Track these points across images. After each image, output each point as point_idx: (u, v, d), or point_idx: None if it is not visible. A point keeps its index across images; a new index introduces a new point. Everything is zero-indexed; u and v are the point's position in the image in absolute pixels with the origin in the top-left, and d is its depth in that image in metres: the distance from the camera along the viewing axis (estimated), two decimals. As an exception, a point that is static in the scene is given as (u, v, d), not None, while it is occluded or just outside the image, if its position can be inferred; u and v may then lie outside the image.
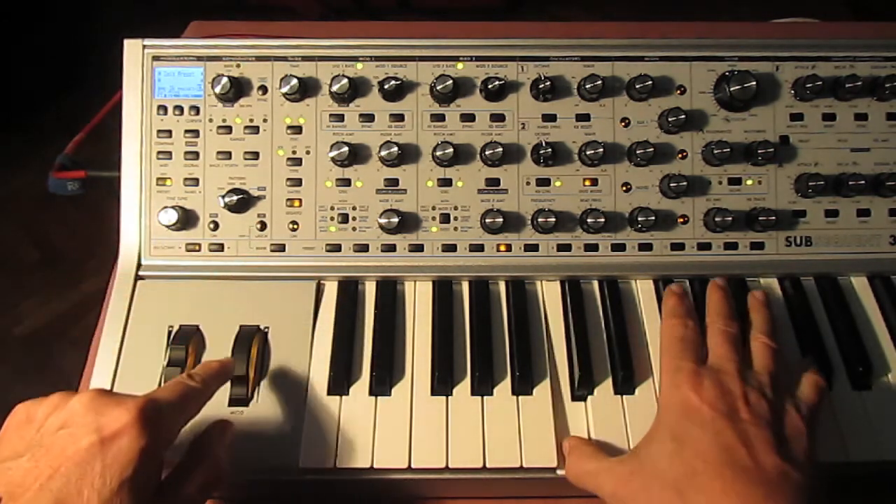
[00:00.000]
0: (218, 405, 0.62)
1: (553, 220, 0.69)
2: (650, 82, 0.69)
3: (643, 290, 0.71)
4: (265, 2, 2.68)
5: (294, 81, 0.69)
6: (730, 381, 0.56)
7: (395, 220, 0.69)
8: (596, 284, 0.71)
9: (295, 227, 0.70)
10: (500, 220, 0.69)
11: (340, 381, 0.64)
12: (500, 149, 0.69)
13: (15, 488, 0.43)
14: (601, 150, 0.69)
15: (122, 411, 0.46)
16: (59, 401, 0.49)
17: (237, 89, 0.70)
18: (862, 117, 0.72)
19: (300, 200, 0.71)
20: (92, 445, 0.45)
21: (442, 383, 0.64)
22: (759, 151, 0.69)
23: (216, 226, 0.70)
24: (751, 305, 0.66)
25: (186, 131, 0.70)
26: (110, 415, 0.46)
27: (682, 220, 0.71)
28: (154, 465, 0.47)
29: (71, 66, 2.44)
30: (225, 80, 0.69)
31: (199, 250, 0.70)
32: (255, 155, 0.71)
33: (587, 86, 0.69)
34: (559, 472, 0.60)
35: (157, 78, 0.71)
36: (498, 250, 0.71)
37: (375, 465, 0.60)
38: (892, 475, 0.62)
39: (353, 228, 0.70)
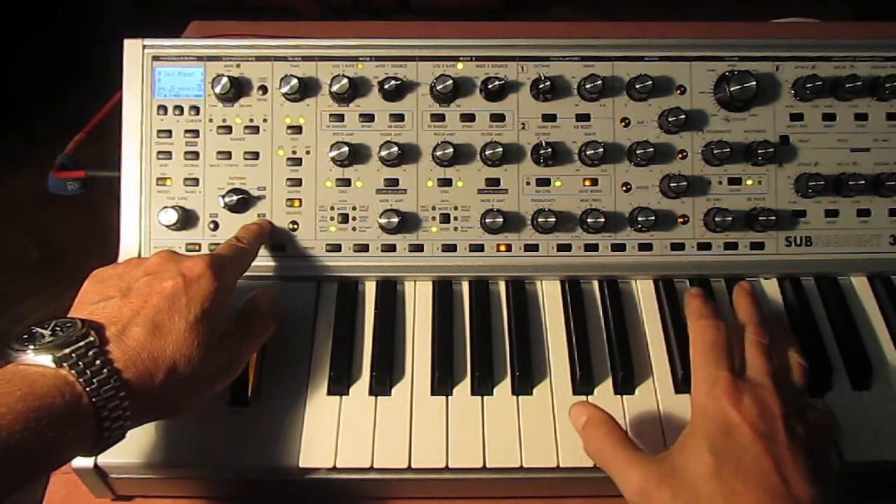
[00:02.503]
0: (218, 405, 0.62)
1: (553, 220, 0.69)
2: (650, 82, 0.69)
3: (643, 290, 0.71)
4: (265, 2, 2.68)
5: (294, 81, 0.69)
6: (769, 400, 0.54)
7: (395, 220, 0.69)
8: (596, 284, 0.71)
9: (295, 227, 0.70)
10: (500, 220, 0.69)
11: (340, 381, 0.64)
12: (500, 149, 0.69)
13: (112, 318, 0.51)
14: (601, 150, 0.69)
15: (197, 260, 0.56)
16: (134, 261, 0.59)
17: (237, 89, 0.70)
18: (862, 117, 0.72)
19: (300, 200, 0.71)
20: (177, 284, 0.53)
21: (442, 383, 0.64)
22: (759, 151, 0.69)
23: (216, 226, 0.70)
24: (771, 321, 0.65)
25: (186, 131, 0.70)
26: (188, 263, 0.56)
27: (682, 220, 0.71)
28: (223, 304, 0.56)
29: (71, 66, 2.44)
30: (225, 80, 0.69)
31: (199, 250, 0.70)
32: (255, 155, 0.71)
33: (587, 86, 0.69)
34: (559, 472, 0.60)
35: (157, 78, 0.71)
36: (498, 250, 0.71)
37: (375, 465, 0.60)
38: (892, 475, 0.62)
39: (353, 228, 0.70)
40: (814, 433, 0.55)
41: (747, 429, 0.52)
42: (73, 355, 0.47)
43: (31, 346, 0.47)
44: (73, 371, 0.46)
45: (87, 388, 0.46)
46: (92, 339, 0.48)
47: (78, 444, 0.47)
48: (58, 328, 0.49)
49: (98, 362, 0.47)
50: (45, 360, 0.46)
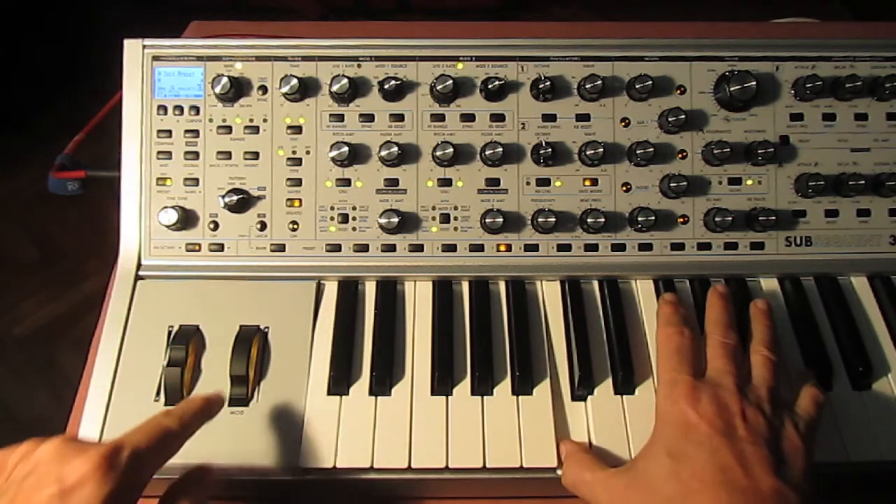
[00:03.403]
0: (218, 405, 0.62)
1: (553, 220, 0.69)
2: (650, 82, 0.69)
3: (643, 290, 0.71)
4: (265, 2, 2.68)
5: (294, 81, 0.69)
6: (728, 397, 0.55)
7: (395, 220, 0.69)
8: (596, 284, 0.71)
9: (295, 227, 0.70)
10: (500, 220, 0.69)
11: (340, 381, 0.64)
12: (500, 149, 0.69)
13: None
14: (601, 150, 0.69)
15: (84, 460, 0.46)
16: (28, 448, 0.49)
17: (237, 89, 0.70)
18: (862, 117, 0.72)
19: (300, 200, 0.71)
20: (52, 496, 0.44)
21: (442, 383, 0.64)
22: (759, 151, 0.69)
23: (216, 226, 0.70)
24: (753, 315, 0.64)
25: (186, 131, 0.70)
26: (72, 464, 0.46)
27: (682, 220, 0.71)
28: None
29: (71, 66, 2.44)
30: (225, 80, 0.69)
31: (199, 250, 0.70)
32: (255, 155, 0.71)
33: (587, 86, 0.69)
34: (559, 471, 0.60)
35: (157, 78, 0.71)
36: (498, 250, 0.71)
37: (375, 465, 0.60)
38: (892, 475, 0.62)
39: (353, 228, 0.70)
40: (782, 424, 0.55)
41: (705, 427, 0.53)
42: None
43: None
44: None
45: None
46: None
47: None
48: None
49: None
50: None
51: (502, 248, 0.71)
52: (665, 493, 0.51)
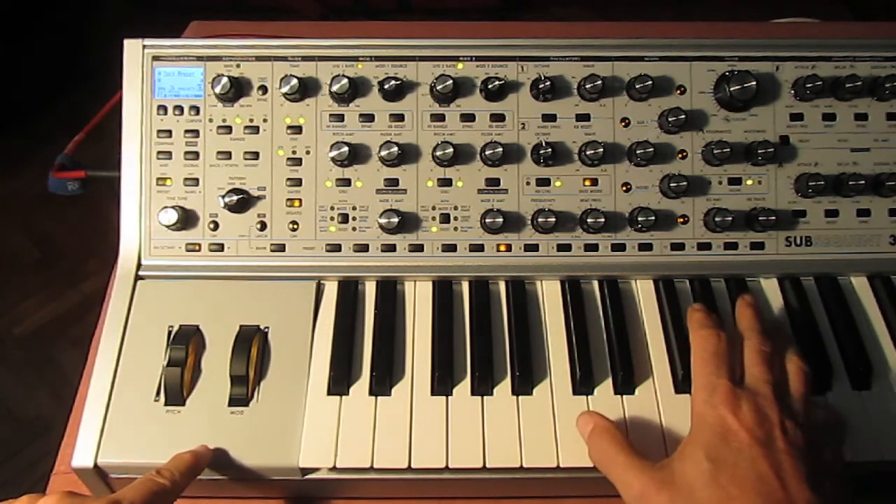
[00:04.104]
0: (218, 405, 0.62)
1: (553, 220, 0.69)
2: (650, 82, 0.69)
3: (643, 290, 0.71)
4: (265, 2, 2.68)
5: (294, 81, 0.69)
6: (767, 406, 0.55)
7: (395, 220, 0.69)
8: (596, 284, 0.71)
9: (295, 227, 0.70)
10: (500, 220, 0.69)
11: (340, 381, 0.64)
12: (500, 149, 0.69)
13: None
14: (601, 150, 0.69)
15: None
16: (33, 498, 0.50)
17: (237, 89, 0.70)
18: (862, 117, 0.72)
19: (300, 200, 0.71)
20: None
21: (442, 383, 0.64)
22: (759, 151, 0.69)
23: (216, 226, 0.70)
24: (773, 326, 0.65)
25: (186, 131, 0.70)
26: None
27: (682, 220, 0.71)
28: None
29: (71, 66, 2.44)
30: (225, 80, 0.69)
31: (199, 250, 0.70)
32: (255, 155, 0.71)
33: (587, 86, 0.69)
34: (559, 472, 0.60)
35: (157, 78, 0.71)
36: (498, 250, 0.71)
37: (375, 465, 0.60)
38: (892, 475, 0.62)
39: (353, 228, 0.70)
40: (817, 437, 0.55)
41: (745, 435, 0.53)
42: None
43: None
44: None
45: None
46: None
47: None
48: None
49: None
50: None
51: (502, 248, 0.71)
52: (703, 495, 0.51)
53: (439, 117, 0.71)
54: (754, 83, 0.69)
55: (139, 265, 0.70)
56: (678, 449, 0.56)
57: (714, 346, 0.59)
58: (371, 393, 0.64)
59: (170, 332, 0.66)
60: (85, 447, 0.60)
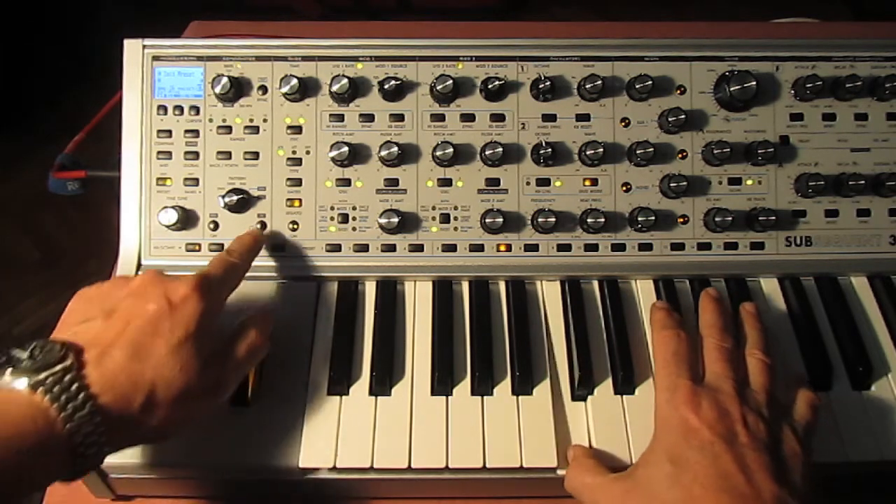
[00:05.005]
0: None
1: (553, 220, 0.69)
2: (650, 82, 0.69)
3: (643, 290, 0.71)
4: (265, 2, 2.68)
5: (294, 81, 0.69)
6: (728, 402, 0.55)
7: (395, 220, 0.69)
8: (596, 284, 0.71)
9: (295, 227, 0.70)
10: (500, 220, 0.69)
11: (340, 381, 0.64)
12: (500, 149, 0.69)
13: (93, 341, 0.50)
14: (601, 150, 0.69)
15: (183, 283, 0.54)
16: (119, 281, 0.57)
17: (237, 89, 0.70)
18: (862, 117, 0.72)
19: (300, 200, 0.71)
20: (161, 307, 0.52)
21: (442, 383, 0.64)
22: (759, 151, 0.69)
23: (216, 226, 0.70)
24: (743, 318, 0.64)
25: (186, 131, 0.70)
26: (173, 285, 0.54)
27: (682, 220, 0.71)
28: (210, 327, 0.54)
29: (71, 66, 2.44)
30: (225, 80, 0.69)
31: (199, 250, 0.70)
32: (255, 155, 0.71)
33: (587, 86, 0.69)
34: (559, 471, 0.60)
35: (157, 78, 0.71)
36: (498, 250, 0.71)
37: (375, 465, 0.60)
38: (892, 475, 0.62)
39: (353, 228, 0.70)
40: (781, 430, 0.55)
41: (706, 432, 0.53)
42: (49, 380, 0.46)
43: (8, 370, 0.47)
44: (47, 397, 0.45)
45: (61, 414, 0.45)
46: (69, 362, 0.47)
47: (52, 471, 0.47)
48: (36, 351, 0.48)
49: (74, 387, 0.46)
50: (21, 384, 0.46)
51: (502, 248, 0.71)
52: (667, 498, 0.51)
53: (439, 117, 0.71)
54: (754, 83, 0.69)
55: (139, 265, 0.70)
56: (642, 455, 0.56)
57: (675, 347, 0.60)
58: (371, 393, 0.64)
59: (170, 332, 0.66)
60: (85, 447, 0.60)
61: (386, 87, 0.70)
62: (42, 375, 0.46)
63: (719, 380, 0.57)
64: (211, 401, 0.55)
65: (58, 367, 0.47)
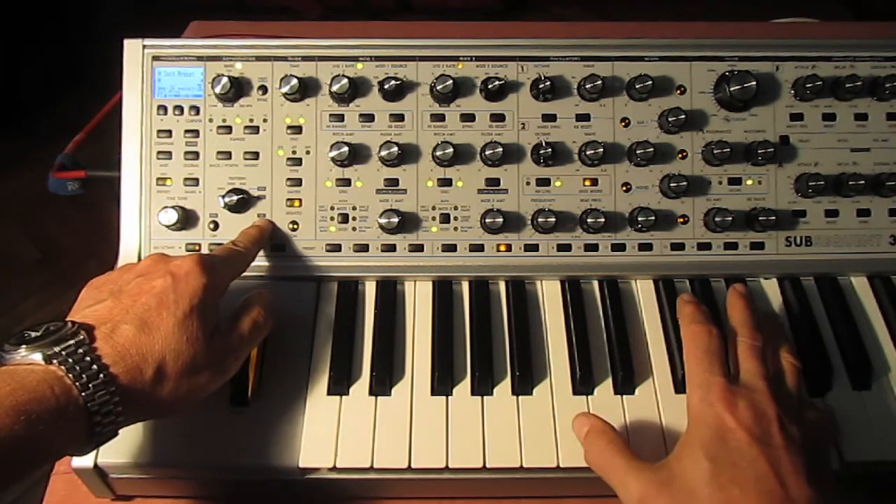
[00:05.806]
0: (218, 405, 0.62)
1: (553, 220, 0.69)
2: (650, 82, 0.69)
3: (643, 290, 0.71)
4: (265, 2, 2.68)
5: (294, 81, 0.69)
6: (764, 403, 0.54)
7: (395, 220, 0.69)
8: (596, 284, 0.71)
9: (295, 227, 0.70)
10: (500, 220, 0.69)
11: (340, 381, 0.64)
12: (500, 149, 0.69)
13: (103, 318, 0.52)
14: (601, 150, 0.69)
15: (186, 259, 0.57)
16: (126, 266, 0.59)
17: (237, 89, 0.70)
18: (862, 117, 0.72)
19: (300, 200, 0.71)
20: (166, 282, 0.54)
21: (442, 383, 0.64)
22: (759, 151, 0.69)
23: (216, 226, 0.70)
24: (764, 323, 0.64)
25: (186, 131, 0.70)
26: (177, 261, 0.57)
27: (682, 220, 0.71)
28: (213, 301, 0.57)
29: (71, 66, 2.44)
30: (225, 80, 0.69)
31: (199, 250, 0.70)
32: (255, 155, 0.71)
33: (587, 86, 0.69)
34: (559, 472, 0.60)
35: (157, 78, 0.71)
36: (498, 250, 0.71)
37: (375, 465, 0.60)
38: (892, 475, 0.62)
39: (353, 228, 0.70)
40: (812, 434, 0.55)
41: (743, 433, 0.52)
42: (63, 352, 0.48)
43: (24, 346, 0.49)
44: (62, 367, 0.47)
45: (77, 383, 0.47)
46: (82, 337, 0.49)
47: (70, 440, 0.48)
48: (50, 328, 0.50)
49: (87, 358, 0.48)
50: (36, 357, 0.48)
51: (502, 248, 0.71)
52: (703, 496, 0.51)
53: (439, 117, 0.71)
54: (754, 83, 0.69)
55: (139, 265, 0.69)
56: (675, 449, 0.55)
57: (706, 343, 0.59)
58: (371, 393, 0.64)
59: (170, 332, 0.66)
60: (85, 447, 0.60)
61: (386, 87, 0.70)
62: (56, 349, 0.48)
63: (754, 378, 0.57)
64: (218, 376, 0.57)
65: (71, 342, 0.49)
